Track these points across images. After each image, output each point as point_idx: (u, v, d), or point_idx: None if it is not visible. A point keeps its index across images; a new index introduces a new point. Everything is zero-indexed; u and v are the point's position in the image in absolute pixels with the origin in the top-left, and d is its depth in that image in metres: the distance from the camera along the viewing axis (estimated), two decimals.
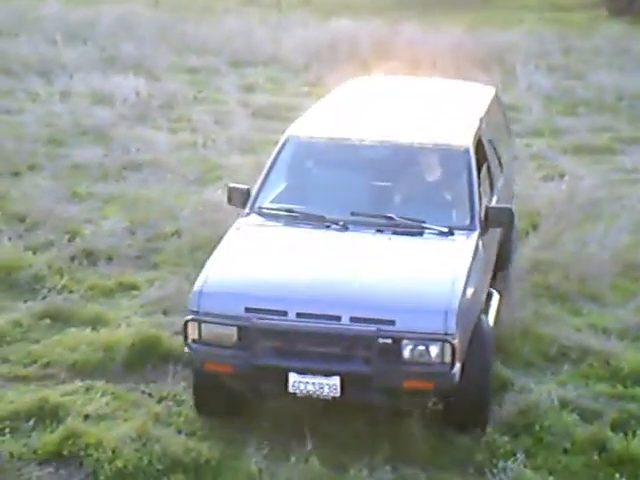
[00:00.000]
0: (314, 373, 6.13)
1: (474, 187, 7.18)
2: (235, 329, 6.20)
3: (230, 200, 7.44)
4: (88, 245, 9.45)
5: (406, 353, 6.08)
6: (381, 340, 6.07)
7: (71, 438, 6.36)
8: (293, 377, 6.15)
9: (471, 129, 7.78)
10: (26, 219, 10.06)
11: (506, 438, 6.49)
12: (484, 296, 7.07)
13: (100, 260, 9.23)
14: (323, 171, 7.70)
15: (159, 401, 6.93)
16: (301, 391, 6.17)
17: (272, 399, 6.59)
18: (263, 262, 6.66)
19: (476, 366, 6.35)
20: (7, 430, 6.49)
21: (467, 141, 7.50)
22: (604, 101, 15.47)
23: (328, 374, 6.12)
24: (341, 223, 6.94)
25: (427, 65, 16.31)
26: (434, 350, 6.07)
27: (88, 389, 7.03)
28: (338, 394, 6.15)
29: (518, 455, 6.28)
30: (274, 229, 7.06)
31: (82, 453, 6.27)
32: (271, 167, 7.48)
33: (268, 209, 7.22)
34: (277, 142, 7.69)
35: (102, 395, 6.94)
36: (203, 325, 6.27)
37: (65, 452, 6.29)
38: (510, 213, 7.13)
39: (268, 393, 6.42)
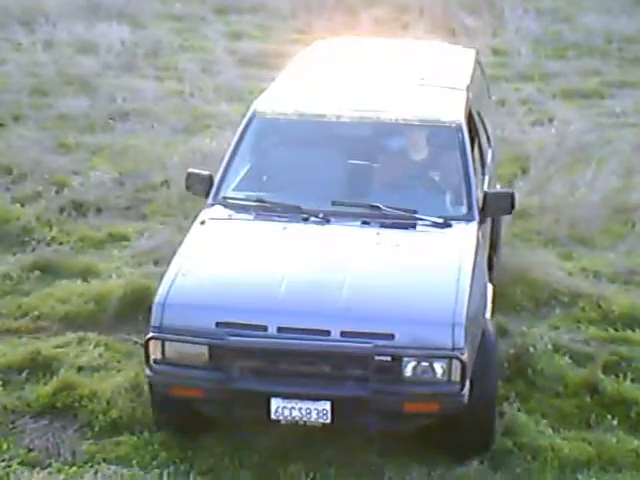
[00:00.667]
0: (300, 397, 5.35)
1: (470, 170, 6.34)
2: (206, 347, 5.36)
3: (189, 188, 6.53)
4: (77, 196, 9.38)
5: (408, 371, 5.31)
6: (378, 357, 5.28)
7: (65, 390, 6.35)
8: (276, 402, 5.36)
9: (460, 101, 6.86)
10: (13, 171, 9.97)
11: (499, 383, 6.50)
12: (487, 295, 6.25)
13: (89, 211, 9.16)
14: (296, 154, 6.75)
15: None
16: (285, 417, 5.39)
17: (252, 425, 5.81)
18: (235, 266, 5.78)
19: (481, 380, 5.53)
20: (0, 383, 6.48)
21: (459, 115, 6.61)
22: (593, 44, 15.36)
23: (317, 398, 5.34)
24: (321, 215, 6.09)
25: (415, 10, 16.15)
26: (440, 367, 5.30)
27: (80, 341, 7.02)
28: (329, 420, 5.37)
29: (511, 399, 6.32)
30: (244, 224, 6.17)
31: (76, 405, 6.27)
32: (235, 150, 6.57)
33: (235, 199, 6.33)
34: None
35: (95, 346, 6.92)
36: (167, 343, 5.43)
37: (59, 404, 6.28)
38: (512, 198, 6.27)
39: (247, 420, 5.65)
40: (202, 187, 6.47)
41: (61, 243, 8.55)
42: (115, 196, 9.52)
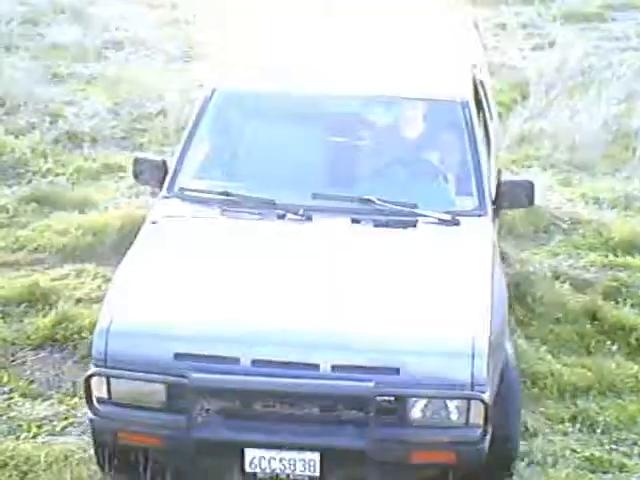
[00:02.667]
0: (282, 447, 4.33)
1: (479, 153, 5.30)
2: (162, 386, 4.34)
3: (138, 177, 5.49)
4: (71, 127, 9.26)
5: (416, 413, 4.33)
6: (380, 398, 4.28)
7: (64, 322, 6.32)
8: (251, 453, 4.33)
9: (465, 74, 5.81)
10: (5, 102, 9.82)
11: None
12: (507, 310, 5.05)
13: (84, 142, 9.05)
14: (267, 135, 5.50)
15: None
16: (263, 470, 4.36)
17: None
18: (197, 280, 4.67)
19: (502, 422, 4.53)
20: None
21: (465, 91, 5.58)
22: None
23: (303, 448, 4.32)
24: (301, 212, 5.02)
25: None
26: (456, 408, 4.31)
27: (79, 273, 6.98)
28: (317, 473, 4.35)
29: (511, 326, 6.31)
30: (206, 224, 5.05)
31: (76, 336, 6.23)
32: (193, 131, 5.44)
33: (194, 191, 5.23)
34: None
35: (93, 278, 6.88)
36: (113, 380, 4.39)
37: (58, 336, 6.25)
38: (532, 189, 5.31)
39: (217, 473, 4.51)
40: (153, 177, 5.40)
41: (57, 175, 8.46)
42: (110, 126, 9.43)
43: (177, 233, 5.10)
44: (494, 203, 5.30)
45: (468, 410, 4.33)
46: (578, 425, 5.53)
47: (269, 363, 4.35)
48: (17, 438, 5.39)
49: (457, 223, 5.09)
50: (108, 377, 4.44)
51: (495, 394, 4.50)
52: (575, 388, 5.86)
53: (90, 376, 4.48)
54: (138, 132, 9.44)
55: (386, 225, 5.06)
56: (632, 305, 6.59)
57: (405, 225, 5.06)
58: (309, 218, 5.05)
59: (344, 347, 4.37)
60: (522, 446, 5.31)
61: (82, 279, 6.90)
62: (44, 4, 13.07)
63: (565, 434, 5.46)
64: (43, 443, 5.32)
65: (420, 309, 4.56)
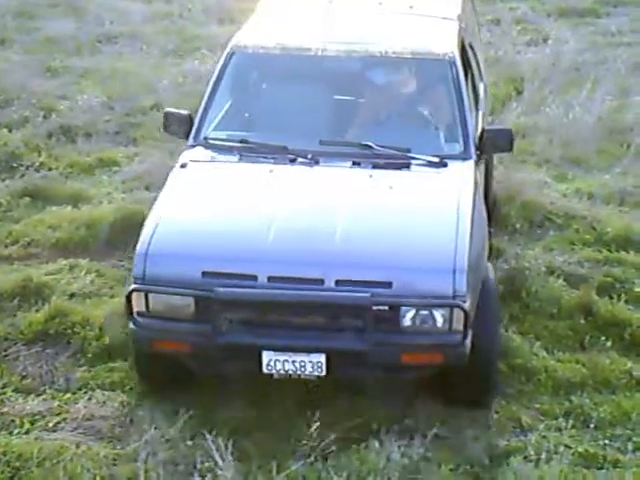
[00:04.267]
0: (294, 350, 5.08)
1: (465, 105, 5.99)
2: (192, 299, 5.09)
3: (167, 128, 6.21)
4: (65, 121, 9.26)
5: (406, 321, 5.04)
6: (375, 307, 5.00)
7: (57, 317, 6.30)
8: (268, 356, 5.08)
9: (452, 32, 6.52)
10: None
11: None
12: (487, 239, 5.85)
13: (78, 136, 9.05)
14: (279, 90, 6.32)
15: None
16: (278, 371, 5.12)
17: (242, 380, 5.57)
18: (220, 211, 5.45)
19: (483, 330, 5.24)
20: None
21: (452, 48, 6.27)
22: None
23: (311, 351, 5.07)
24: (309, 156, 5.74)
25: None
26: (441, 316, 5.02)
27: (72, 267, 6.96)
28: (324, 373, 5.12)
29: (505, 321, 6.30)
30: (228, 166, 5.82)
31: (69, 331, 6.22)
32: (215, 88, 6.18)
33: (217, 140, 5.99)
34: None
35: (86, 273, 6.87)
36: (151, 295, 5.15)
37: (51, 331, 6.23)
38: (511, 135, 5.98)
39: (237, 374, 5.41)
40: (181, 128, 6.12)
41: (50, 169, 8.45)
42: (104, 120, 9.41)
43: (203, 173, 5.81)
44: (478, 149, 5.95)
45: (451, 318, 5.03)
46: (572, 421, 5.52)
47: (282, 279, 5.06)
48: (10, 434, 5.38)
49: (445, 165, 5.78)
50: (146, 293, 5.15)
51: (476, 306, 5.21)
52: (569, 384, 5.86)
53: (131, 292, 5.18)
54: (132, 126, 9.41)
55: (383, 167, 5.75)
56: (626, 301, 6.57)
57: (399, 166, 5.76)
58: (316, 161, 5.76)
59: (345, 265, 5.10)
60: (516, 442, 5.34)
61: (75, 274, 6.89)
62: None
63: (559, 430, 5.44)
64: (36, 439, 5.31)
65: (410, 233, 5.31)
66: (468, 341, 5.10)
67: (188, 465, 5.08)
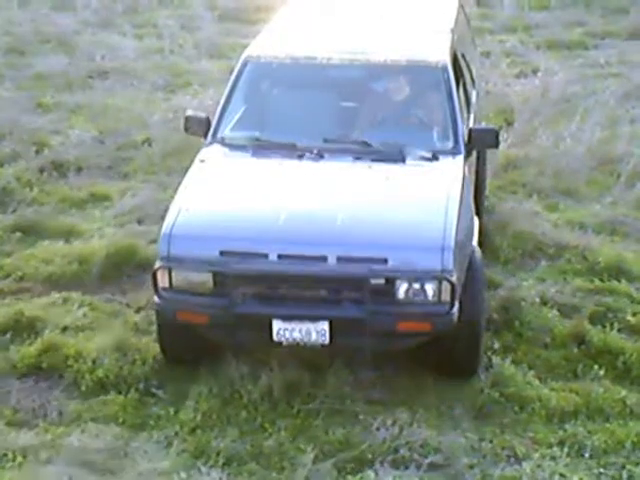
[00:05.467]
0: (300, 319, 5.67)
1: (456, 107, 6.66)
2: (210, 275, 5.71)
3: (187, 129, 6.88)
4: (57, 156, 9.28)
5: (400, 293, 5.65)
6: (373, 281, 5.61)
7: (50, 350, 6.30)
8: (277, 324, 5.68)
9: (445, 42, 7.22)
10: None
11: (487, 334, 6.48)
12: (474, 224, 6.58)
13: (70, 171, 9.07)
14: (288, 95, 7.05)
15: (137, 311, 6.88)
16: (287, 339, 5.70)
17: (254, 349, 6.09)
18: (235, 199, 6.11)
19: (470, 301, 5.88)
20: None
21: (444, 56, 6.96)
22: None
23: (316, 319, 5.67)
24: (315, 151, 6.40)
25: None
26: (431, 289, 5.63)
27: (65, 301, 6.95)
28: (327, 341, 5.68)
29: (499, 351, 6.33)
30: (242, 161, 6.50)
31: (62, 365, 6.21)
32: (231, 93, 6.90)
33: (232, 139, 6.68)
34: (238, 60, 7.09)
35: (79, 307, 6.86)
36: (174, 272, 5.77)
37: (44, 364, 6.23)
38: (495, 134, 6.64)
39: (250, 343, 5.92)
40: (200, 128, 6.78)
41: (42, 204, 8.47)
42: (96, 155, 9.43)
43: (220, 167, 6.50)
44: (467, 145, 6.55)
45: (440, 290, 5.63)
46: (566, 450, 5.51)
47: (290, 257, 5.69)
48: (2, 467, 5.36)
49: (437, 159, 6.41)
50: (170, 270, 5.75)
51: (464, 281, 5.84)
52: (563, 413, 5.85)
53: (156, 270, 5.78)
54: (124, 161, 9.42)
55: (381, 160, 6.37)
56: (619, 330, 6.59)
57: (396, 160, 6.37)
58: (321, 156, 6.40)
59: (346, 244, 5.71)
60: (511, 471, 5.33)
61: (68, 307, 6.88)
62: (29, 34, 13.12)
63: (553, 459, 5.43)
64: (29, 472, 5.28)
65: (404, 216, 5.91)
66: (455, 311, 5.67)
67: None
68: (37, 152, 9.32)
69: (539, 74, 11.33)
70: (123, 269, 7.37)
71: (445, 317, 5.66)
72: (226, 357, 6.11)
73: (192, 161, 6.55)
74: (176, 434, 5.64)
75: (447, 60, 6.90)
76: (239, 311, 5.69)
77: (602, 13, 14.57)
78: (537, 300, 6.88)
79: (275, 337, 5.71)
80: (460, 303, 5.74)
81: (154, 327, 6.50)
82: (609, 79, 11.53)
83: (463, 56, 7.64)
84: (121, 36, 13.12)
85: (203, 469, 5.27)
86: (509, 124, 10.00)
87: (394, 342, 5.82)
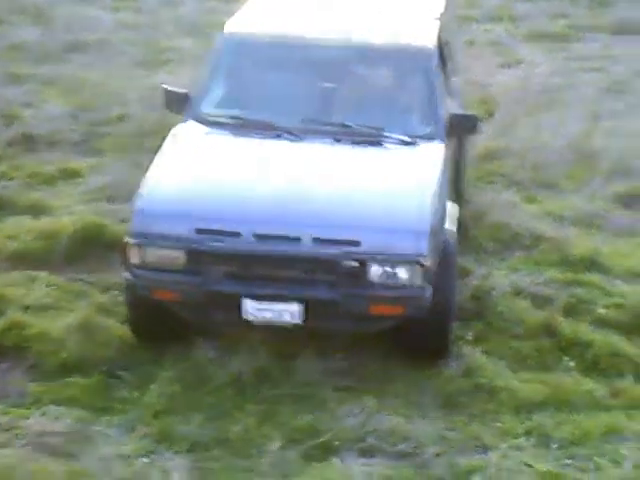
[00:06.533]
0: (273, 299, 5.67)
1: (438, 92, 6.65)
2: (183, 252, 5.68)
3: (166, 105, 6.82)
4: (28, 129, 9.10)
5: (374, 276, 5.64)
6: (346, 263, 5.61)
7: (13, 329, 6.17)
8: (249, 304, 5.68)
9: (433, 28, 7.14)
10: None
11: (458, 323, 6.40)
12: (450, 209, 6.52)
13: (41, 146, 8.92)
14: (268, 74, 6.92)
15: (103, 291, 6.74)
16: (258, 318, 5.70)
17: (225, 328, 6.10)
18: (211, 177, 6.06)
19: (442, 287, 5.85)
20: None
21: (431, 41, 6.91)
22: None
23: (288, 300, 5.67)
24: (294, 132, 6.35)
25: None
26: (404, 272, 5.63)
27: (29, 279, 6.79)
28: (300, 321, 5.69)
29: (471, 340, 6.29)
30: (219, 139, 6.45)
31: (24, 345, 6.07)
32: (209, 69, 6.84)
33: (210, 116, 6.59)
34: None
35: (45, 286, 6.71)
36: (146, 248, 5.72)
37: (7, 344, 6.09)
38: (475, 120, 6.63)
39: (221, 321, 5.93)
40: (179, 104, 6.70)
41: (11, 178, 8.31)
42: (68, 130, 9.29)
43: (196, 144, 6.42)
44: (447, 131, 6.51)
45: (413, 274, 5.62)
46: (534, 440, 5.48)
47: (264, 236, 5.66)
48: None
49: (416, 144, 6.35)
50: (143, 246, 5.69)
51: (437, 264, 5.81)
52: (531, 403, 5.81)
53: (128, 245, 5.72)
54: (97, 137, 9.29)
55: (360, 143, 6.33)
56: (590, 322, 6.56)
57: (374, 143, 6.35)
58: (300, 137, 6.32)
59: (320, 225, 5.69)
60: (477, 461, 5.28)
61: (32, 286, 6.71)
62: (4, 3, 12.91)
63: (520, 449, 5.39)
64: None
65: (379, 198, 5.88)
66: (428, 294, 5.69)
67: None
68: (7, 125, 9.15)
69: (522, 65, 11.27)
70: (91, 248, 7.23)
71: (418, 301, 5.67)
72: (195, 341, 6.02)
73: (166, 137, 6.43)
74: (140, 418, 5.53)
75: (434, 46, 6.86)
76: (212, 289, 5.66)
77: (588, 5, 14.50)
78: (510, 290, 6.82)
79: (247, 316, 5.69)
80: (433, 287, 5.73)
81: (120, 308, 6.40)
82: (592, 72, 11.48)
83: (447, 43, 7.59)
84: (100, 9, 12.94)
85: (167, 454, 5.18)
86: (490, 115, 9.92)
87: (366, 325, 5.81)
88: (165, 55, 11.49)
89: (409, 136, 6.39)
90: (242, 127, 6.46)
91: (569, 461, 5.31)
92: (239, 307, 5.68)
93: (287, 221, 5.72)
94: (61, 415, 5.52)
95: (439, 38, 7.09)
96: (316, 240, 5.64)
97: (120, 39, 11.86)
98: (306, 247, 5.64)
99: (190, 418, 5.52)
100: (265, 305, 5.68)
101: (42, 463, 5.09)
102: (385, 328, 5.87)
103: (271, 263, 5.68)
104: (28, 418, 5.49)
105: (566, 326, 6.45)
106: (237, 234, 5.66)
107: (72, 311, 6.41)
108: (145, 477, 5.01)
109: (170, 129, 6.66)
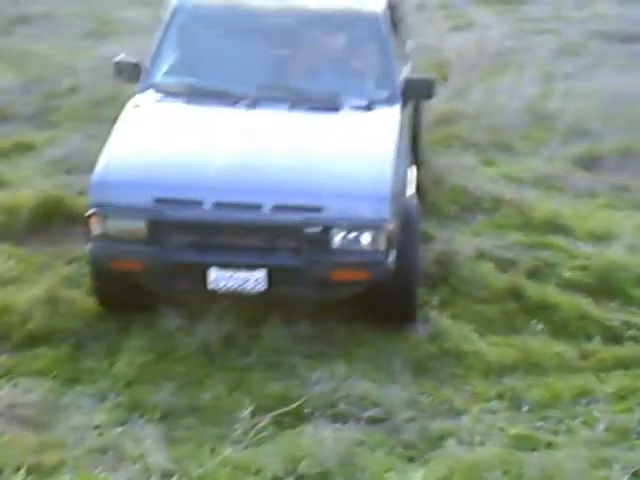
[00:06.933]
0: (237, 267, 5.63)
1: (391, 56, 6.68)
2: (144, 222, 5.63)
3: (118, 75, 6.73)
4: None
5: (336, 242, 5.63)
6: (308, 229, 5.60)
7: None
8: (213, 273, 5.63)
9: None
10: None
11: (424, 288, 6.43)
12: (409, 173, 6.60)
13: None
14: (221, 42, 6.90)
15: (67, 263, 6.68)
16: (222, 287, 5.66)
17: (190, 297, 6.07)
18: (169, 146, 6.01)
19: (405, 251, 5.88)
20: None
21: (380, 6, 6.95)
22: None
23: (252, 268, 5.63)
24: (250, 98, 6.33)
25: None
26: (367, 238, 5.63)
27: None
28: (264, 289, 5.66)
29: (436, 305, 6.30)
30: (176, 107, 6.41)
31: None
32: (162, 38, 6.77)
33: (165, 85, 6.56)
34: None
35: (8, 259, 6.63)
36: (107, 219, 5.68)
37: None
38: (431, 84, 6.59)
39: (185, 291, 5.89)
40: (130, 75, 6.67)
41: None
42: (21, 103, 9.21)
43: (153, 113, 6.39)
44: (403, 95, 6.51)
45: (376, 239, 5.62)
46: (505, 403, 5.49)
47: (225, 205, 5.63)
48: None
49: (372, 109, 6.36)
50: (104, 217, 5.64)
51: (400, 228, 5.84)
52: (501, 367, 5.83)
53: (89, 216, 5.66)
54: (50, 109, 9.19)
55: (316, 109, 6.32)
56: (556, 285, 6.59)
57: (331, 109, 6.34)
58: (256, 104, 6.31)
59: (281, 192, 5.66)
60: (449, 425, 5.29)
61: None
62: None
63: (492, 412, 5.41)
64: None
65: (339, 164, 5.85)
66: (391, 259, 5.70)
67: (117, 452, 4.92)
68: None
69: (474, 28, 11.30)
70: (52, 220, 7.16)
71: (381, 266, 5.67)
72: (161, 310, 5.99)
73: (124, 108, 6.36)
74: (110, 388, 5.49)
75: (382, 10, 6.88)
76: (174, 259, 5.64)
77: None
78: (473, 254, 6.84)
79: (211, 285, 5.66)
80: (396, 252, 5.75)
81: (85, 280, 6.34)
82: (545, 34, 11.56)
83: (398, 7, 7.65)
84: None
85: (139, 422, 5.14)
86: (444, 79, 9.95)
87: (331, 290, 5.79)
88: (113, 26, 11.35)
89: (366, 101, 6.40)
90: (198, 95, 6.44)
91: (541, 423, 5.32)
92: (203, 276, 5.64)
93: (247, 189, 5.69)
94: (32, 387, 5.45)
95: (388, 2, 7.13)
96: (277, 207, 5.61)
97: (67, 11, 11.70)
98: (267, 214, 5.62)
99: (160, 387, 5.49)
100: (229, 274, 5.64)
101: (15, 434, 5.02)
102: (350, 294, 5.86)
103: (233, 232, 5.66)
104: None
105: (532, 289, 6.48)
106: (197, 203, 5.62)
107: (37, 283, 6.33)
108: (118, 446, 4.96)
109: (123, 99, 6.62)
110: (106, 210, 5.67)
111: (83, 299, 6.20)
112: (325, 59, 6.77)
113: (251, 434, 5.09)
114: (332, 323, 6.11)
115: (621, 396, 5.58)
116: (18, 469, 4.72)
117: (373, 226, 5.62)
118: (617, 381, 5.70)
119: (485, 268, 6.73)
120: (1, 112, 8.97)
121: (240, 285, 5.66)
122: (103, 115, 8.48)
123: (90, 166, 5.99)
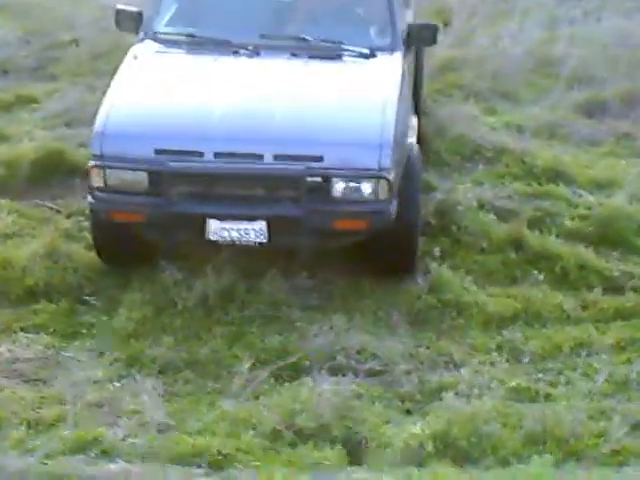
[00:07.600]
0: (237, 218, 5.64)
1: (393, 3, 6.60)
2: (145, 174, 5.62)
3: (118, 24, 6.68)
4: None
5: (337, 191, 5.62)
6: (309, 179, 5.58)
7: None
8: (213, 224, 5.63)
9: None
10: None
11: (424, 239, 6.41)
12: (412, 122, 6.57)
13: None
14: None
15: (68, 217, 6.68)
16: (223, 238, 5.67)
17: (190, 248, 6.00)
18: (170, 96, 5.98)
19: (406, 199, 5.85)
20: None
21: None
22: None
23: (253, 218, 5.63)
24: (250, 48, 6.30)
25: None
26: (368, 187, 5.61)
27: None
28: (265, 239, 5.66)
29: (436, 256, 6.26)
30: (176, 57, 6.40)
31: None
32: None
33: (166, 34, 6.51)
34: None
35: (7, 213, 6.62)
36: (108, 171, 5.67)
37: None
38: (434, 30, 6.59)
39: (186, 242, 5.86)
40: (131, 24, 6.60)
41: None
42: (22, 56, 9.12)
43: (154, 64, 6.35)
44: (406, 42, 6.54)
45: (377, 188, 5.61)
46: (505, 355, 5.49)
47: (226, 155, 5.63)
48: None
49: (375, 55, 6.34)
50: (105, 169, 5.63)
51: (401, 177, 5.82)
52: (501, 318, 5.82)
53: (90, 169, 5.68)
54: (51, 62, 9.12)
55: (318, 57, 6.32)
56: (557, 235, 6.54)
57: (333, 57, 6.35)
58: (257, 53, 6.29)
59: (282, 141, 5.66)
60: (448, 377, 5.29)
61: None
62: None
63: (492, 364, 5.40)
64: None
65: (341, 113, 5.85)
66: (392, 208, 5.69)
67: (115, 406, 4.95)
68: None
69: None
70: (53, 174, 7.14)
71: (382, 215, 5.65)
72: (160, 265, 5.98)
73: (123, 59, 6.31)
74: (109, 343, 5.52)
75: None
76: (175, 210, 5.62)
77: None
78: (474, 204, 6.78)
79: (212, 236, 5.66)
80: (397, 201, 5.72)
81: (85, 234, 6.36)
82: None
83: None
84: None
85: (138, 377, 5.17)
86: (446, 25, 9.80)
87: (331, 240, 5.79)
88: None
89: (367, 48, 6.35)
90: (199, 45, 6.40)
91: (540, 375, 5.32)
92: (203, 227, 5.64)
93: (248, 138, 5.66)
94: (31, 342, 5.50)
95: None
96: (278, 157, 5.60)
97: None
98: (268, 164, 5.60)
99: (159, 341, 5.51)
100: (229, 224, 5.64)
101: (14, 389, 5.07)
102: (350, 243, 5.86)
103: (234, 182, 5.65)
104: None
105: (532, 239, 6.43)
106: (198, 153, 5.61)
107: (36, 237, 6.34)
108: (117, 401, 5.01)
109: (124, 50, 6.55)
110: (107, 162, 5.65)
111: (83, 253, 6.21)
112: (326, 7, 6.71)
113: (249, 388, 5.11)
114: (331, 276, 6.10)
115: (621, 347, 5.57)
116: (18, 424, 4.76)
117: (374, 175, 5.60)
118: (617, 332, 5.69)
119: (486, 218, 6.68)
120: (2, 65, 8.91)
121: (240, 236, 5.66)
122: (103, 67, 8.43)
123: (91, 118, 5.98)
